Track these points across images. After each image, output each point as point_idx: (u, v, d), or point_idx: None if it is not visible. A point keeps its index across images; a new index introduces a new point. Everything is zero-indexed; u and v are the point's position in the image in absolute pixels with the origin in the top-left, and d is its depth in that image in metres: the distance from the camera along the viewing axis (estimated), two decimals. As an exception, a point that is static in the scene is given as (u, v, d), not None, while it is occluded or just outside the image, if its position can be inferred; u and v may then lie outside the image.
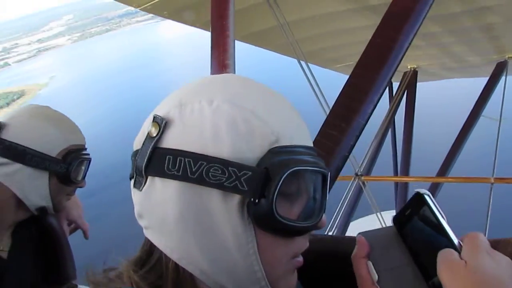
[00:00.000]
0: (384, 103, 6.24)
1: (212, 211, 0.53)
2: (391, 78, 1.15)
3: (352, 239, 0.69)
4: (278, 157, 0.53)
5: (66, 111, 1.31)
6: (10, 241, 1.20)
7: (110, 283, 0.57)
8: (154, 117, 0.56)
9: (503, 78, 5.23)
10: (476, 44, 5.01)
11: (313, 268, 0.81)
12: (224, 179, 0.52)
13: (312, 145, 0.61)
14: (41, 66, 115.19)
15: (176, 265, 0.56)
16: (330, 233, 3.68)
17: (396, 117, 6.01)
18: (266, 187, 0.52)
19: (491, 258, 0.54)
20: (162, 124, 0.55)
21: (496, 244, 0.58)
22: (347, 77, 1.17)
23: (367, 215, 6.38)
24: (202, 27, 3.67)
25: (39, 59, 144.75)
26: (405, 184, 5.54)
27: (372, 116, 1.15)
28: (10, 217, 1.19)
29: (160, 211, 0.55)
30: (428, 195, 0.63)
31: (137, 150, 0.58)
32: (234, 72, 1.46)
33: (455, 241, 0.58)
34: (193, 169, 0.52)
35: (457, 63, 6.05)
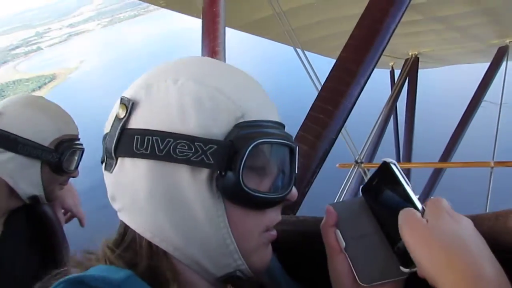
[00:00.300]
0: (386, 90, 6.22)
1: (181, 187, 0.54)
2: (378, 60, 1.15)
3: None
4: (243, 131, 0.54)
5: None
6: (2, 228, 1.22)
7: (87, 262, 0.58)
8: (121, 99, 0.57)
9: (504, 63, 5.18)
10: (477, 29, 4.96)
11: (297, 248, 0.83)
12: (191, 154, 0.53)
13: (279, 121, 0.62)
14: (72, 51, 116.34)
15: (150, 244, 0.56)
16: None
17: (398, 104, 5.98)
18: (233, 160, 0.53)
19: (451, 218, 0.55)
20: (129, 105, 0.56)
21: (474, 220, 0.58)
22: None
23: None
24: (199, 16, 3.66)
25: (69, 44, 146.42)
26: (407, 171, 5.52)
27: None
28: (2, 205, 1.21)
29: (131, 191, 0.56)
30: (394, 164, 0.65)
31: (106, 133, 0.59)
32: (224, 59, 1.46)
33: (419, 206, 0.60)
34: (161, 147, 0.53)
35: (458, 49, 6.01)
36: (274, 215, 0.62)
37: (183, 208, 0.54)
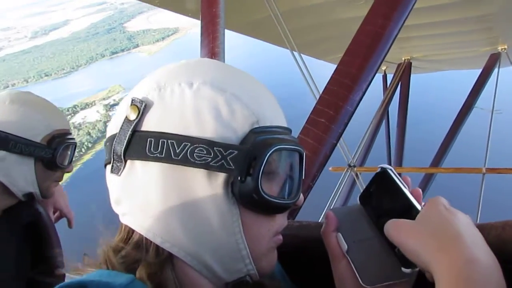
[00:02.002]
0: (378, 94, 6.26)
1: (196, 192, 0.53)
2: (379, 65, 1.15)
3: None
4: (260, 137, 0.54)
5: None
6: None
7: (87, 266, 0.57)
8: (132, 100, 0.56)
9: (495, 69, 5.24)
10: (470, 36, 5.02)
11: (300, 253, 0.82)
12: (210, 159, 0.52)
13: (287, 126, 0.62)
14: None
15: (157, 249, 0.55)
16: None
17: (390, 108, 6.03)
18: (252, 165, 0.53)
19: (446, 210, 0.55)
20: (141, 107, 0.55)
21: (480, 229, 0.58)
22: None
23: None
24: (194, 16, 3.65)
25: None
26: (398, 175, 5.54)
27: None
28: None
29: (142, 194, 0.55)
30: (391, 169, 0.66)
31: (113, 135, 0.57)
32: (224, 60, 1.45)
33: (418, 207, 0.61)
34: (177, 151, 0.52)
35: (450, 54, 6.07)
36: (282, 220, 0.62)
37: (197, 213, 0.53)
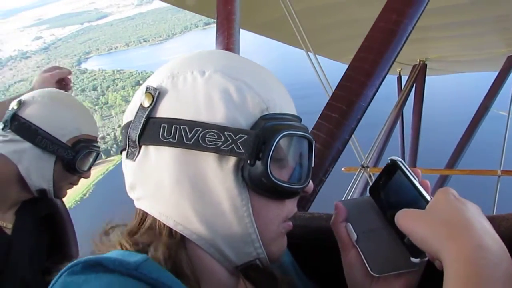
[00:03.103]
0: (393, 96, 6.21)
1: (207, 175, 0.55)
2: (393, 62, 1.15)
3: None
4: (270, 123, 0.56)
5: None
6: (14, 219, 1.23)
7: (101, 248, 0.59)
8: (147, 88, 0.57)
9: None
10: (486, 37, 4.95)
11: (311, 244, 0.83)
12: (221, 143, 0.53)
13: (297, 114, 0.64)
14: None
15: (170, 231, 0.57)
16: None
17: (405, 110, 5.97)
18: (261, 150, 0.54)
19: (456, 199, 0.56)
20: (155, 94, 0.57)
21: (491, 220, 0.58)
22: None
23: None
24: (208, 15, 3.68)
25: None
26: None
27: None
28: (14, 194, 1.22)
29: (156, 178, 0.56)
30: (401, 161, 0.67)
31: (128, 122, 0.59)
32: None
33: (428, 198, 0.61)
34: (189, 136, 0.54)
35: (466, 56, 6.00)
36: (291, 206, 0.63)
37: (208, 196, 0.55)
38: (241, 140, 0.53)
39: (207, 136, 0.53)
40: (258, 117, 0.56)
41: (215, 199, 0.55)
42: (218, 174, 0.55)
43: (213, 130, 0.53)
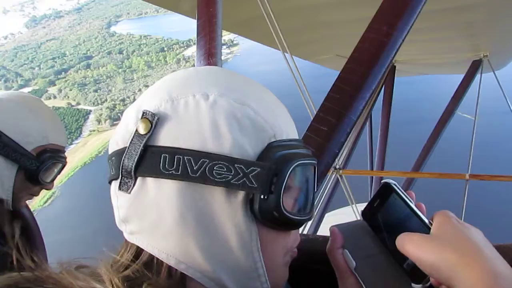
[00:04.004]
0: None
1: (214, 210, 0.51)
2: (384, 74, 1.13)
3: None
4: (279, 152, 0.53)
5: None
6: None
7: (88, 281, 0.51)
8: (143, 113, 0.52)
9: (478, 76, 5.31)
10: (453, 42, 5.08)
11: (306, 267, 0.80)
12: (231, 176, 0.49)
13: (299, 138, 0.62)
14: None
15: (169, 270, 0.53)
16: (307, 225, 3.71)
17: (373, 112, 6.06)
18: (273, 182, 0.51)
19: (460, 224, 0.55)
20: (154, 120, 0.51)
21: (497, 249, 0.57)
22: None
23: (340, 207, 6.49)
24: (189, 14, 3.59)
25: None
26: (380, 178, 5.59)
27: None
28: None
29: (155, 213, 0.51)
30: (395, 184, 0.66)
31: (120, 150, 0.53)
32: (221, 62, 1.41)
33: (426, 221, 0.61)
34: (194, 168, 0.49)
35: (434, 59, 6.14)
36: (296, 236, 0.62)
37: (215, 232, 0.51)
38: (253, 173, 0.50)
39: (215, 168, 0.49)
40: (265, 144, 0.53)
41: (222, 234, 0.51)
42: (226, 208, 0.51)
43: (221, 162, 0.49)
